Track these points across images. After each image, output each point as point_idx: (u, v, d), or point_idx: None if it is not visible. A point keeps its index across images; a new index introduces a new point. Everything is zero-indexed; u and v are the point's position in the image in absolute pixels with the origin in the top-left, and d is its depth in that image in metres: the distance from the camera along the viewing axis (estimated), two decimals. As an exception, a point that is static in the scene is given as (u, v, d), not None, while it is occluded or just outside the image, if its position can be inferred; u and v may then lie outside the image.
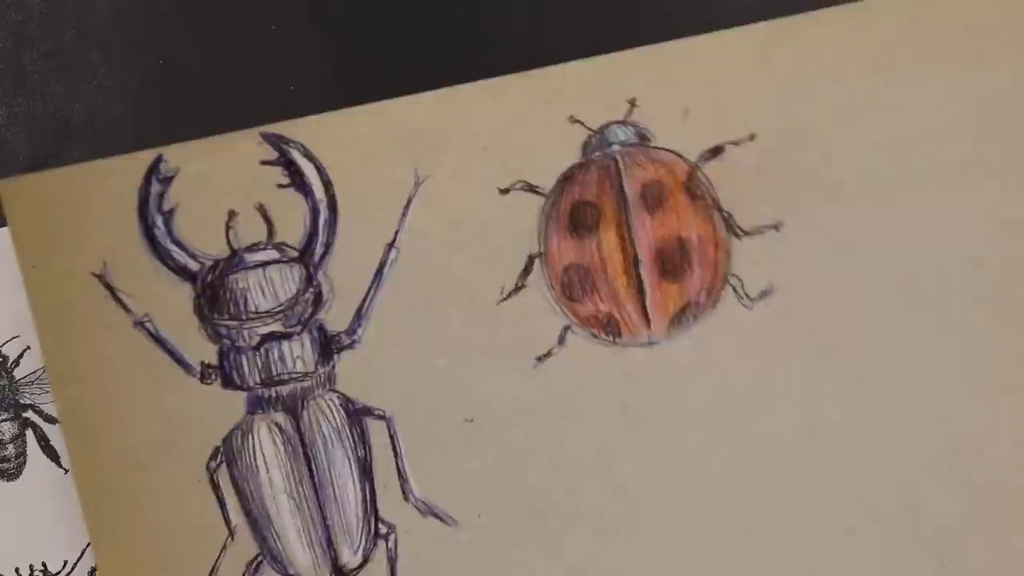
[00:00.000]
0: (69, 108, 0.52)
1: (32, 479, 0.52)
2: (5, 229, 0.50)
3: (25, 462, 0.53)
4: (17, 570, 0.52)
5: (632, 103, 0.45)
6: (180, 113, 0.52)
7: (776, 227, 0.45)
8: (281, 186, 0.45)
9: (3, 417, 0.53)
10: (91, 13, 0.52)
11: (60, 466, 0.52)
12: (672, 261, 0.45)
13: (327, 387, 0.46)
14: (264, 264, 0.45)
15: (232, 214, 0.45)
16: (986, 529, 0.45)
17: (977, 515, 0.46)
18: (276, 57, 0.51)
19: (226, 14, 0.51)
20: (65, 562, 0.51)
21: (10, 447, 0.53)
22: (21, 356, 0.53)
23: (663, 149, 0.45)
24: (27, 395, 0.53)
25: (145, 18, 0.52)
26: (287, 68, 0.51)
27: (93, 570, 0.51)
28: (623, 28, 0.49)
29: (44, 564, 0.52)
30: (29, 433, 0.53)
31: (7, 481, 0.53)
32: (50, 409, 0.52)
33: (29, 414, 0.53)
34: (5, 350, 0.53)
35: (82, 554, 0.52)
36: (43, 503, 0.52)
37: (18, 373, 0.53)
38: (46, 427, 0.53)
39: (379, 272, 0.45)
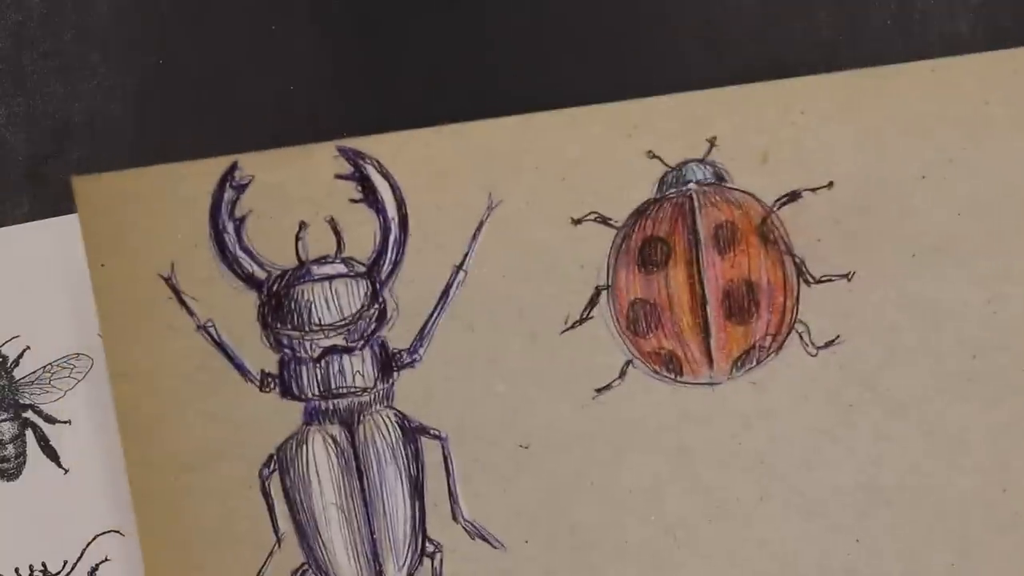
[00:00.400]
0: (69, 108, 0.52)
1: (32, 479, 0.53)
2: (6, 229, 0.51)
3: (25, 462, 0.53)
4: (17, 570, 0.52)
5: (712, 142, 0.44)
6: (180, 113, 0.52)
7: (848, 277, 0.45)
8: (354, 201, 0.45)
9: (3, 417, 0.53)
10: (91, 13, 0.52)
11: (60, 466, 0.52)
12: (739, 303, 0.45)
13: (384, 403, 0.46)
14: (331, 277, 0.45)
15: (303, 225, 0.45)
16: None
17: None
18: (276, 57, 0.51)
19: (226, 14, 0.51)
20: (65, 562, 0.52)
21: (10, 447, 0.53)
22: (21, 356, 0.53)
23: (739, 190, 0.45)
24: (27, 395, 0.53)
25: (145, 18, 0.52)
26: (287, 68, 0.51)
27: (93, 570, 0.52)
28: (623, 28, 0.49)
29: (44, 564, 0.52)
30: (29, 433, 0.53)
31: (7, 481, 0.53)
32: (50, 409, 0.52)
33: (29, 414, 0.53)
34: (5, 350, 0.53)
35: (82, 554, 0.52)
36: (43, 503, 0.52)
37: (18, 373, 0.53)
38: (46, 427, 0.53)
39: (445, 293, 0.45)
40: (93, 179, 0.45)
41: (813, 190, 0.44)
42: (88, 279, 0.47)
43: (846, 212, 0.44)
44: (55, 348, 0.52)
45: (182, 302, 0.45)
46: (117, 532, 0.52)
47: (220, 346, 0.45)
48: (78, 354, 0.52)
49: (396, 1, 0.50)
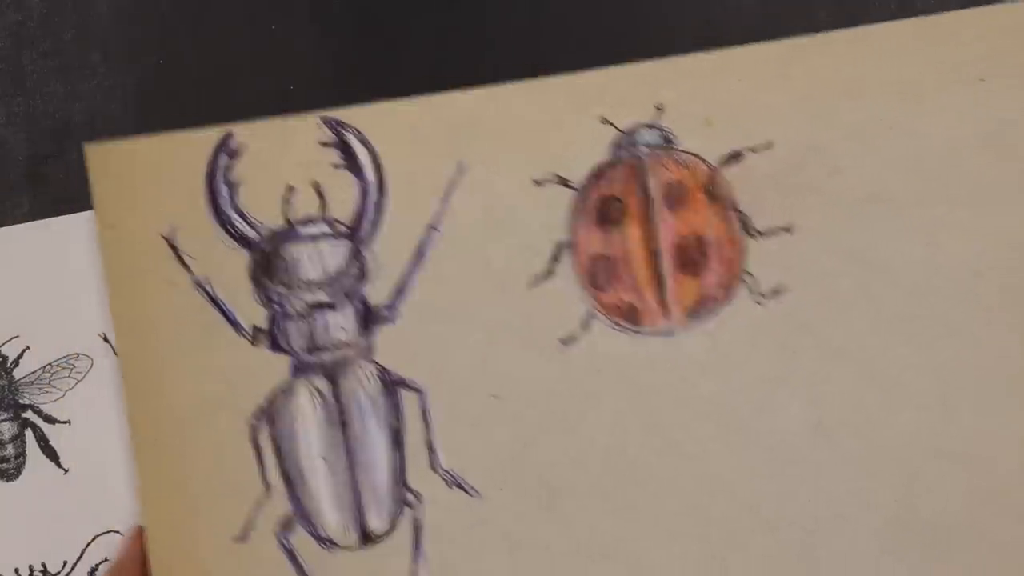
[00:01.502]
0: (69, 108, 0.54)
1: (32, 479, 0.53)
2: (6, 229, 0.53)
3: (25, 462, 0.53)
4: (17, 571, 0.53)
5: (660, 108, 0.49)
6: (180, 113, 0.54)
7: (789, 230, 0.48)
8: (336, 167, 0.49)
9: (3, 417, 0.54)
10: (91, 13, 0.53)
11: (59, 466, 0.53)
12: (691, 257, 0.49)
13: (366, 357, 0.50)
14: (316, 237, 0.49)
15: (290, 189, 0.49)
16: (983, 530, 0.48)
17: (975, 516, 0.48)
18: (276, 57, 0.53)
19: (226, 14, 0.53)
20: (65, 562, 0.53)
21: (9, 447, 0.53)
22: (21, 356, 0.54)
23: (686, 152, 0.49)
24: (27, 395, 0.53)
25: (145, 18, 0.53)
26: (287, 68, 0.53)
27: (93, 570, 0.52)
28: (622, 28, 0.52)
29: (44, 564, 0.53)
30: (28, 433, 0.54)
31: (7, 481, 0.53)
32: (50, 409, 0.53)
33: (29, 414, 0.54)
34: (5, 350, 0.54)
35: (82, 554, 0.53)
36: (43, 503, 0.53)
37: (18, 373, 0.54)
38: (45, 427, 0.53)
39: (420, 252, 0.49)
40: (104, 146, 0.49)
41: (754, 150, 0.48)
42: (87, 279, 0.51)
43: (785, 170, 0.48)
44: (55, 348, 0.54)
45: (180, 260, 0.49)
46: (117, 532, 0.53)
47: (215, 302, 0.49)
48: (78, 354, 0.53)
49: (396, 1, 0.52)
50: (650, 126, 0.49)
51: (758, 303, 0.48)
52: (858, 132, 0.48)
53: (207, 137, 0.49)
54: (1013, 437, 0.48)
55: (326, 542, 0.50)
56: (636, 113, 0.49)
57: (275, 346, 0.49)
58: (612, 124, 0.49)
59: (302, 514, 0.50)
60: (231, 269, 0.49)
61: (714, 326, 0.49)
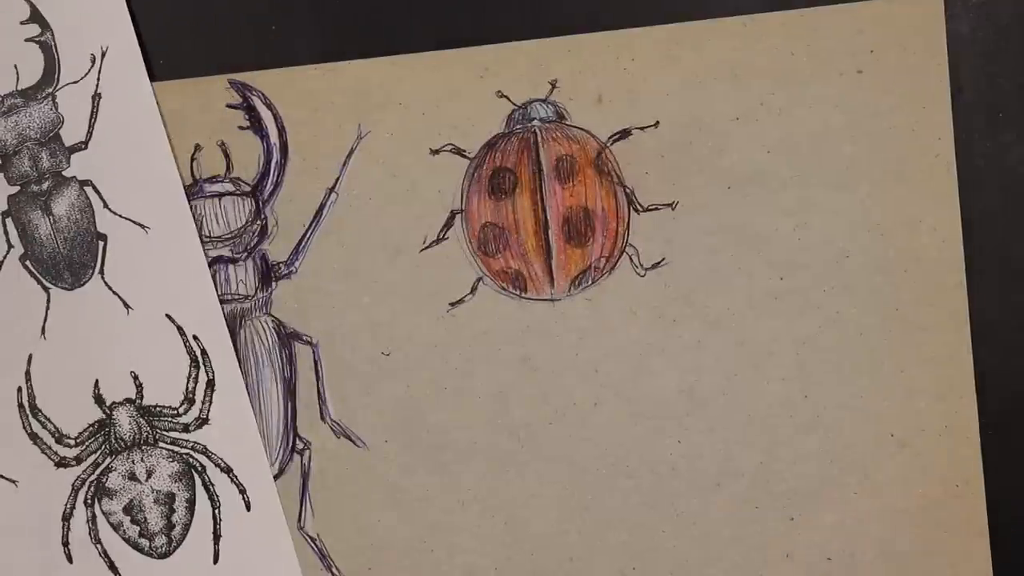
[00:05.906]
0: None
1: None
2: None
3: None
4: None
5: (553, 84, 0.51)
6: None
7: (672, 206, 0.50)
8: (242, 128, 0.51)
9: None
10: None
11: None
12: (577, 228, 0.51)
13: (263, 311, 0.52)
14: (220, 195, 0.52)
15: (197, 148, 0.51)
16: (832, 494, 0.50)
17: (826, 481, 0.50)
18: (276, 57, 0.52)
19: (226, 14, 0.52)
20: None
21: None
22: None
23: (577, 128, 0.51)
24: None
25: (145, 18, 0.52)
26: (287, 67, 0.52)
27: None
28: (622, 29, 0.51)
29: None
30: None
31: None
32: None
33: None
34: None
35: None
36: None
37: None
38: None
39: (319, 213, 0.51)
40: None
41: (642, 128, 0.50)
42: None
43: (670, 148, 0.50)
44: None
45: (90, 211, 0.52)
46: None
47: (121, 252, 0.52)
48: None
49: (397, 2, 0.52)
50: (544, 101, 0.51)
51: (639, 275, 0.50)
52: (739, 115, 0.50)
53: (118, 94, 0.51)
54: (862, 410, 0.50)
55: (219, 484, 0.52)
56: (531, 88, 0.51)
57: (177, 296, 0.52)
58: (507, 98, 0.51)
59: (198, 457, 0.52)
60: (137, 221, 0.52)
61: (596, 294, 0.51)
